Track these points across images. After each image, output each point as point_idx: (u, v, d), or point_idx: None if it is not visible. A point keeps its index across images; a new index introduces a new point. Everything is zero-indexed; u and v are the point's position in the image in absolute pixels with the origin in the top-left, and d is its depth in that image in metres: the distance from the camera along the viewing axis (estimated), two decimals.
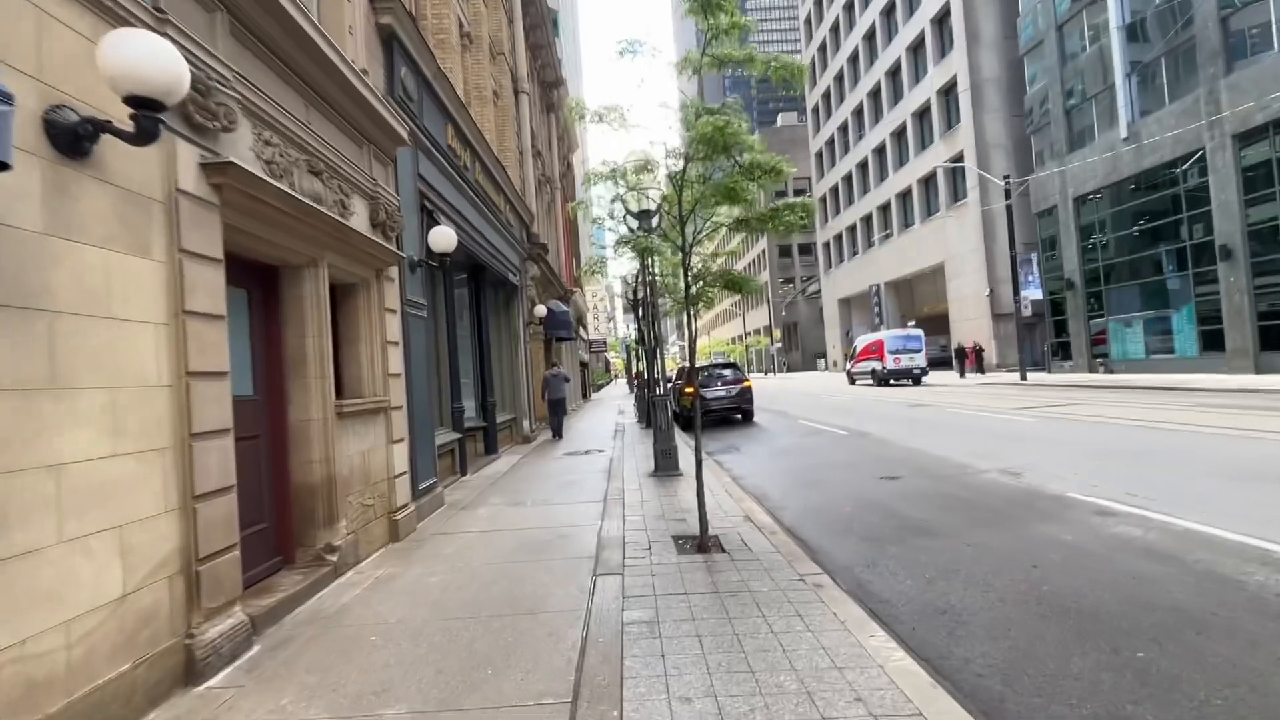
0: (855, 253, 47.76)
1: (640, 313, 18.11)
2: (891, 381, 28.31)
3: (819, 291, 58.57)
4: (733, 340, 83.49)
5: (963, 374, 29.53)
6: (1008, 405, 15.35)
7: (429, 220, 7.50)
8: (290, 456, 4.75)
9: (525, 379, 13.81)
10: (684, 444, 11.60)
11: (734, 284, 5.60)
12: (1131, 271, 22.11)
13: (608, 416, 21.18)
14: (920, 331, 29.61)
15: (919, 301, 41.59)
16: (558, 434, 14.51)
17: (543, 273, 16.66)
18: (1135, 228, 21.67)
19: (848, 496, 7.11)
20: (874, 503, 6.68)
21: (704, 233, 5.63)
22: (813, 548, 5.17)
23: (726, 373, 16.45)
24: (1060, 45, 24.48)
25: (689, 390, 16.01)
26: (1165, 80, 20.19)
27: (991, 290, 30.68)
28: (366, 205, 5.74)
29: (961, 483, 7.25)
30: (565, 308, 19.04)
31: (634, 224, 6.73)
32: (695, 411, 5.75)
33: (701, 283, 5.67)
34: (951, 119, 33.78)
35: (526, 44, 18.10)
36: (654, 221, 6.70)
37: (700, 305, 5.88)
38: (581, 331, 35.01)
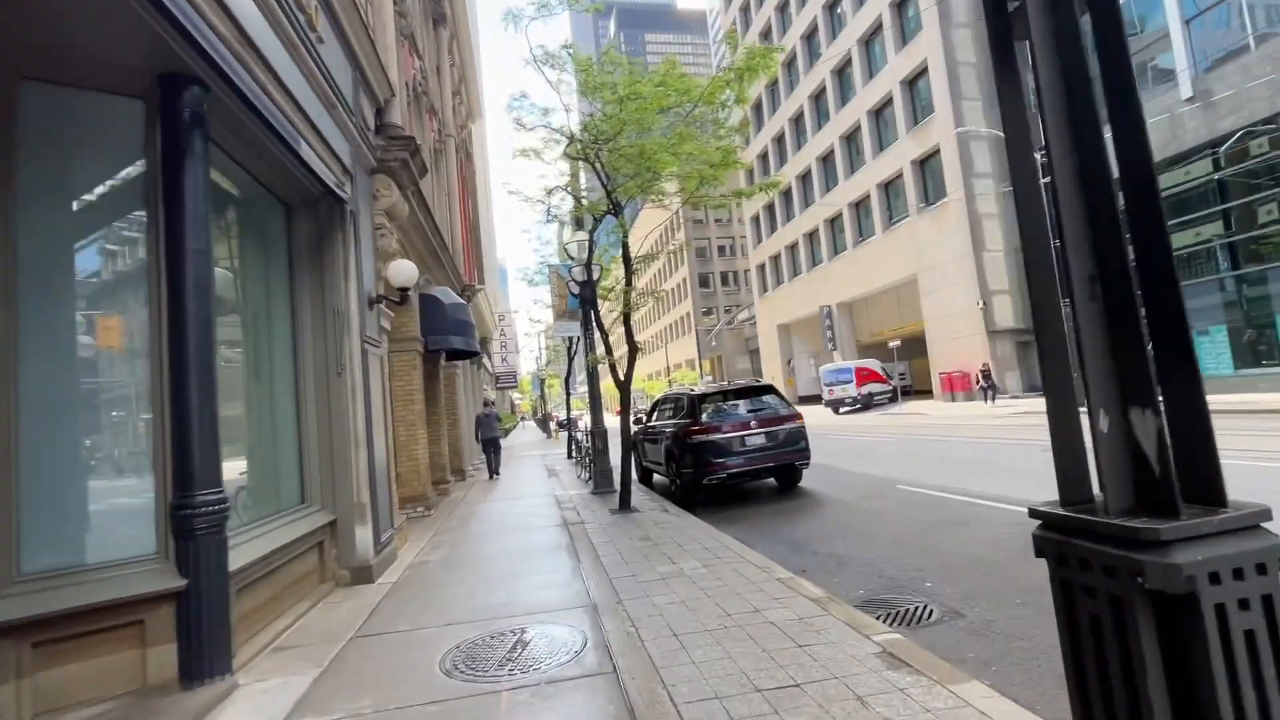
0: (797, 273, 42.94)
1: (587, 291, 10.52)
2: (840, 410, 29.37)
3: (752, 319, 53.57)
4: (652, 375, 77.10)
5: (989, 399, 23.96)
6: None
7: None
8: None
9: (356, 425, 5.81)
10: (694, 543, 4.18)
11: None
12: (1205, 267, 17.53)
13: (534, 482, 13.19)
14: (850, 364, 30.61)
15: (877, 323, 36.94)
16: (495, 472, 14.54)
17: (415, 211, 8.75)
18: (1218, 205, 17.11)
19: None
20: None
21: None
22: None
23: (767, 400, 9.17)
24: None
25: (695, 436, 8.59)
26: (1249, 19, 15.93)
27: (985, 303, 25.96)
28: None
29: None
30: (462, 300, 11.14)
31: None
32: None
33: None
34: (919, 112, 29.61)
35: None
36: None
37: None
38: (485, 361, 26.72)
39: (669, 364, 70.12)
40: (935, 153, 28.16)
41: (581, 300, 10.67)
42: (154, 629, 3.43)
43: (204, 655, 3.48)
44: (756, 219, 48.85)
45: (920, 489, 8.33)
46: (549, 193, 10.48)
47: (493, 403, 29.54)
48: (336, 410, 5.77)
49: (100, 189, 3.85)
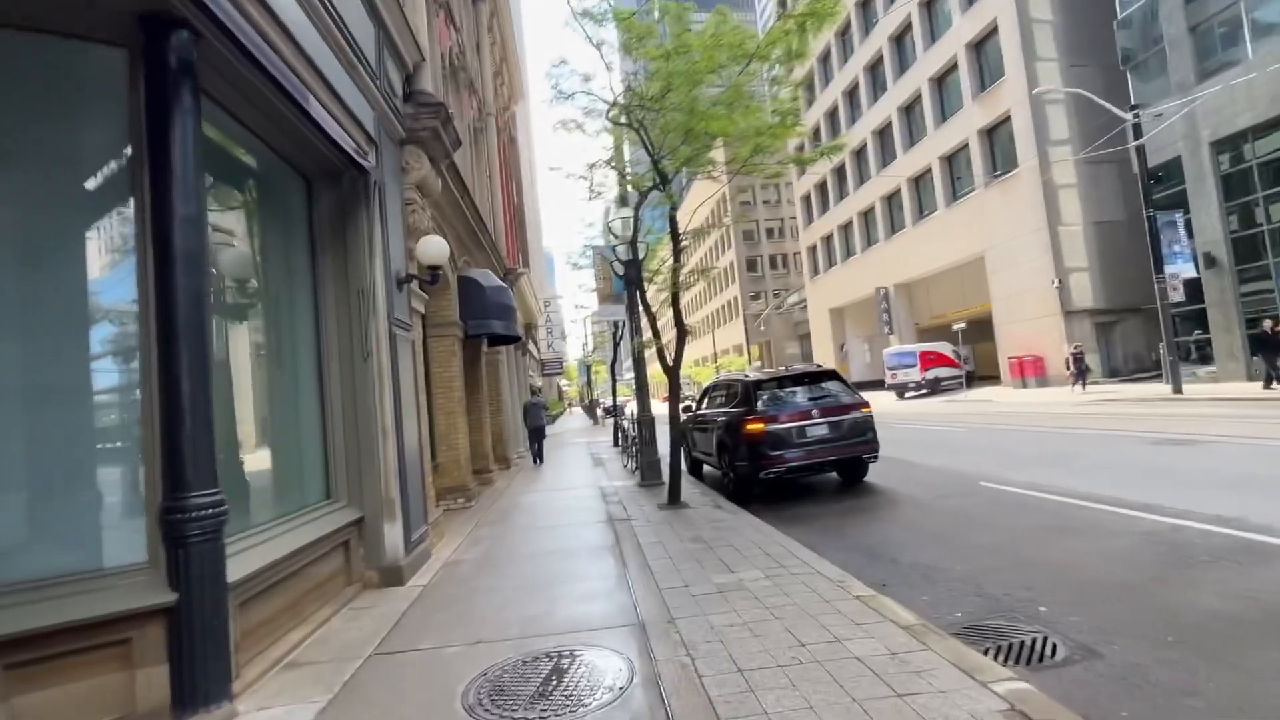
0: (851, 253, 41.15)
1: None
2: (905, 395, 28.59)
3: (802, 303, 51.93)
4: (698, 361, 76.14)
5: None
6: None
7: None
8: None
9: (383, 414, 5.35)
10: (753, 547, 3.59)
11: None
12: None
13: (579, 471, 12.74)
14: (914, 347, 29.63)
15: (938, 305, 34.99)
16: (539, 459, 14.87)
17: (450, 188, 8.27)
18: None
19: None
20: None
21: None
22: None
23: (830, 387, 8.36)
24: None
25: (750, 427, 7.88)
26: None
27: (1060, 281, 24.01)
28: None
29: None
30: (502, 283, 10.69)
31: None
32: None
33: None
34: (987, 76, 27.52)
35: None
36: None
37: None
38: (530, 347, 26.52)
39: (716, 350, 69.08)
40: (1005, 120, 26.14)
41: (626, 282, 10.04)
42: (142, 649, 3.01)
43: (199, 679, 3.05)
44: (807, 198, 47.07)
45: (1008, 487, 7.39)
46: (591, 167, 9.85)
47: (539, 390, 29.45)
48: (363, 398, 5.33)
49: (77, 150, 3.41)
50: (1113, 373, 24.21)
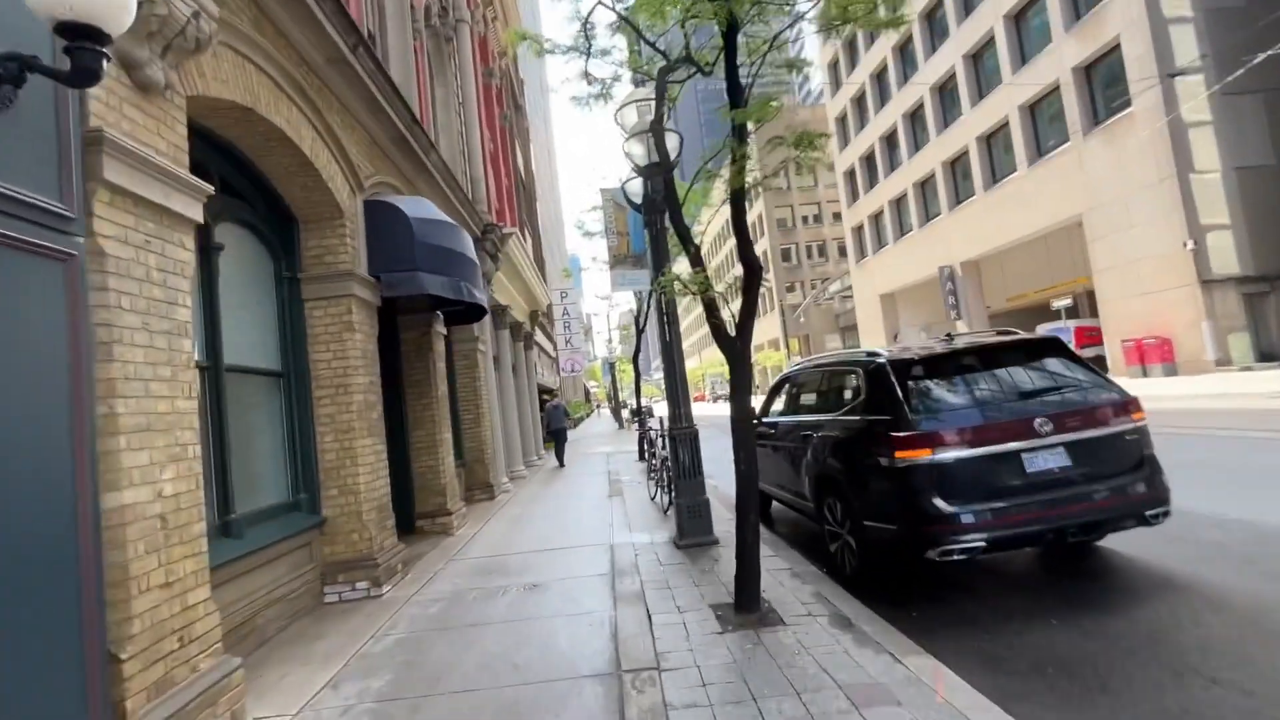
0: (905, 231, 36.41)
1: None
2: None
3: (845, 290, 47.26)
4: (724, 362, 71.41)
5: None
6: None
7: None
8: None
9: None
10: None
11: None
12: None
13: (588, 508, 8.73)
14: (1069, 324, 23.64)
15: (1015, 284, 30.09)
16: (561, 463, 14.89)
17: (334, 35, 4.34)
18: None
19: None
20: None
21: None
22: None
23: (1053, 373, 4.18)
24: None
25: (904, 451, 3.71)
26: None
27: (1196, 243, 19.18)
28: None
29: None
30: (446, 218, 6.73)
31: None
32: None
33: None
34: (1081, 4, 22.74)
35: None
36: None
37: None
38: (541, 338, 22.70)
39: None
40: (1113, 49, 21.36)
41: (646, 205, 6.06)
42: None
43: None
44: (851, 173, 42.41)
45: None
46: (585, 23, 5.86)
47: (554, 391, 25.65)
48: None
49: None
50: (1264, 356, 19.27)
